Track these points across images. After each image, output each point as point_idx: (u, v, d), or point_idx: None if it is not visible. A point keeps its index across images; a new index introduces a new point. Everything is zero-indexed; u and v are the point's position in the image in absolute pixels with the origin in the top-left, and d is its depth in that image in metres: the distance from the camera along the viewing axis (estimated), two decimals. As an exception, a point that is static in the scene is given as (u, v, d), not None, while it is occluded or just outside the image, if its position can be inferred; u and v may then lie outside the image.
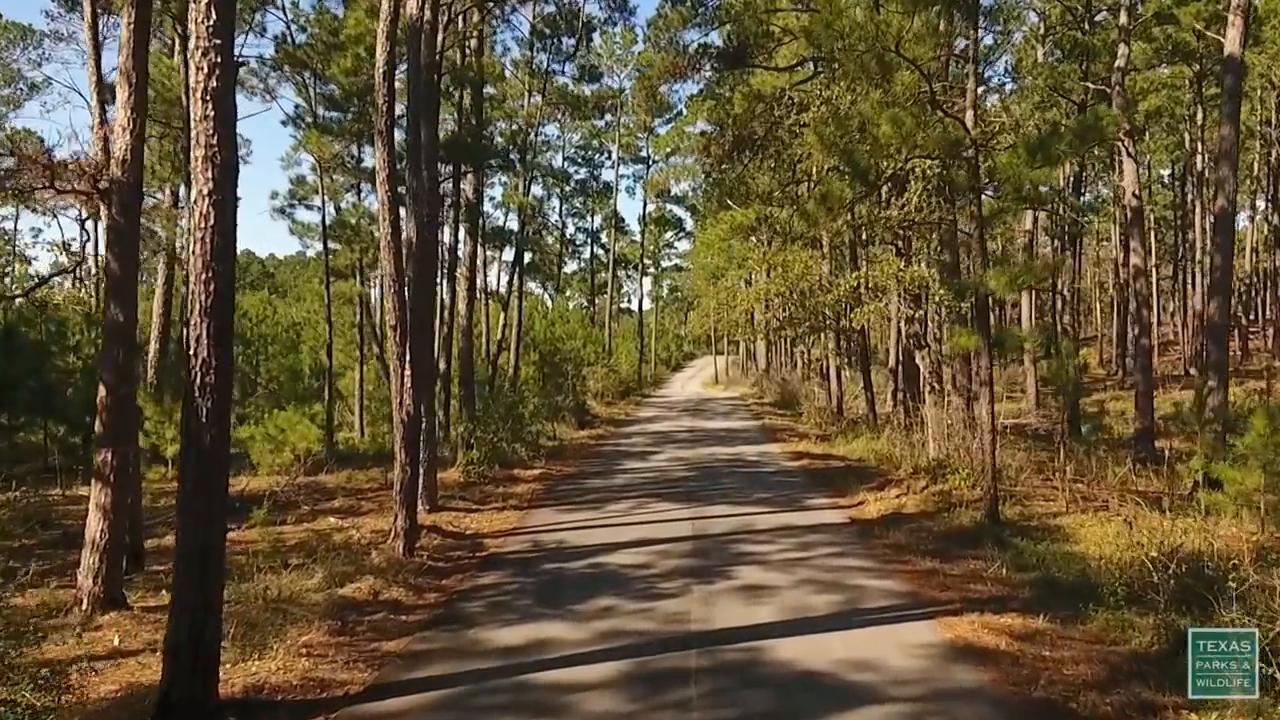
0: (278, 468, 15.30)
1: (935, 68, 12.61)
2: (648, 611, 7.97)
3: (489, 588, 8.91)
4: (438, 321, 17.80)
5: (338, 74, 15.30)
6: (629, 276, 67.57)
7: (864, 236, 28.33)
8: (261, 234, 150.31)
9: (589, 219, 56.08)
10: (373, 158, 13.90)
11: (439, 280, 17.77)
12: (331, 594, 8.45)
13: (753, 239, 38.09)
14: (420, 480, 12.33)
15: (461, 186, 16.82)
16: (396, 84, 11.65)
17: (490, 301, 25.32)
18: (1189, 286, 43.84)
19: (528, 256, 53.45)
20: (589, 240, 57.76)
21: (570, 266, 62.56)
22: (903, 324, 16.63)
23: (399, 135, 12.88)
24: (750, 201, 32.00)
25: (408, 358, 9.68)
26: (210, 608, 5.72)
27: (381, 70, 10.10)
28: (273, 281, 75.33)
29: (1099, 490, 13.58)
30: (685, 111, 36.44)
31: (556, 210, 53.08)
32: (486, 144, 14.38)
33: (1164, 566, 7.79)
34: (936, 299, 14.58)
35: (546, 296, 54.25)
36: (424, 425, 12.41)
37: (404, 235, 11.13)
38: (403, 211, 12.35)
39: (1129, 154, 22.78)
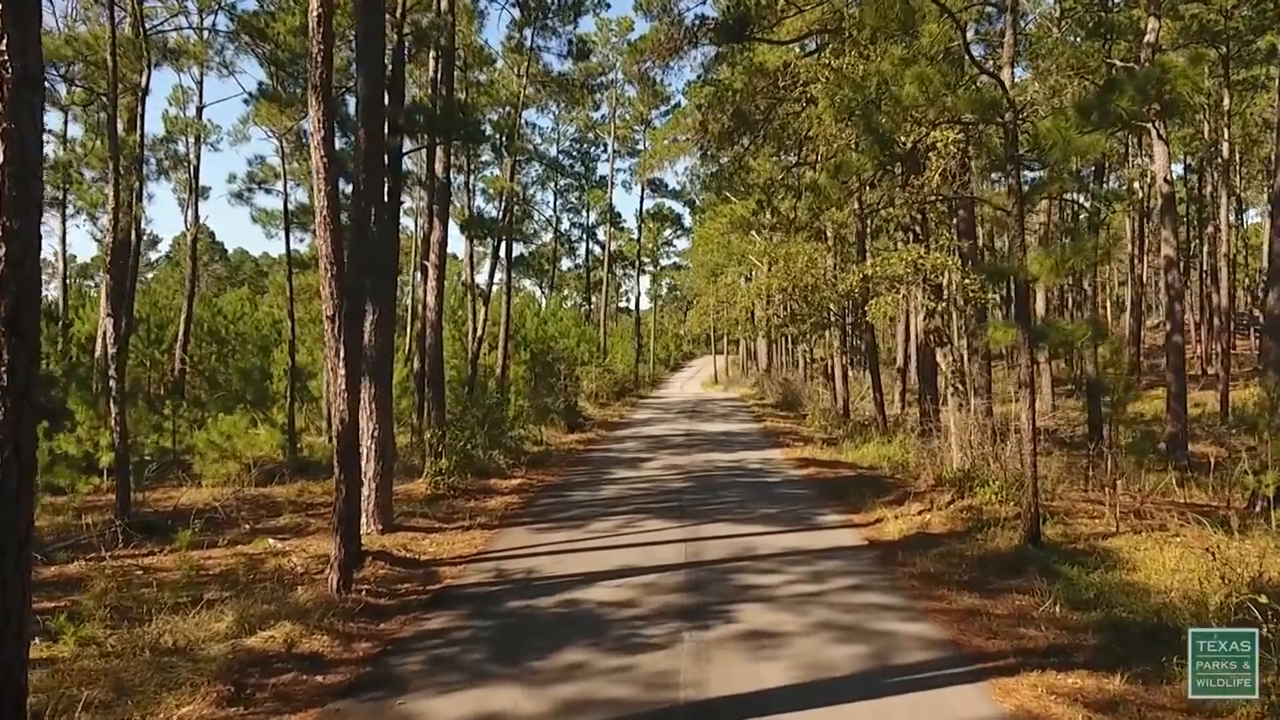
0: (224, 479, 13.68)
1: (966, 18, 10.99)
2: (626, 671, 6.36)
3: (434, 635, 7.29)
4: (411, 317, 16.13)
5: (284, 33, 13.73)
6: (626, 275, 65.93)
7: (871, 227, 26.82)
8: (258, 233, 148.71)
9: (584, 214, 54.46)
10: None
11: (412, 271, 16.14)
12: (237, 644, 6.84)
13: (753, 233, 36.63)
14: (372, 497, 10.74)
15: (434, 169, 15.20)
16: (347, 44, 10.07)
17: (472, 295, 23.59)
18: (1206, 281, 42.27)
19: (519, 250, 52.03)
20: (584, 235, 56.15)
21: (566, 264, 61.00)
22: (922, 318, 14.99)
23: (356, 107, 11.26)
24: (750, 191, 30.49)
25: (342, 354, 8.07)
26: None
27: (316, 13, 8.48)
28: (265, 280, 73.77)
29: (1148, 504, 11.99)
30: (685, 100, 34.85)
31: (551, 205, 51.61)
32: (460, 116, 12.82)
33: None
34: (961, 289, 12.96)
35: (540, 293, 52.64)
36: (377, 433, 10.81)
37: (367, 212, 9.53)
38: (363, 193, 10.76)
39: (1159, 136, 21.20)
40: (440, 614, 7.84)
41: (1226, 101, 29.62)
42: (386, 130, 12.13)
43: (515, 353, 29.62)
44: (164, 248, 63.11)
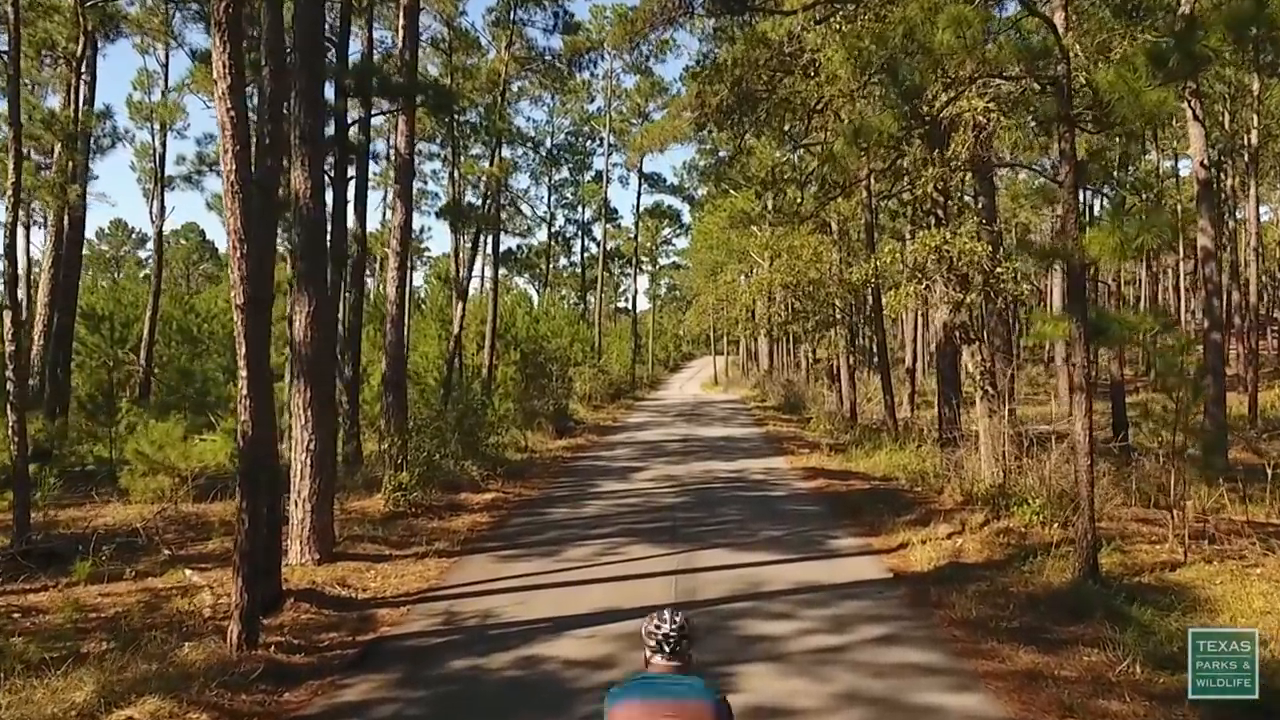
0: (155, 494, 12.04)
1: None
2: (590, 775, 4.75)
3: (349, 713, 5.66)
4: (395, 310, 14.52)
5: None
6: (624, 273, 64.25)
7: (887, 211, 25.16)
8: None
9: (580, 210, 52.80)
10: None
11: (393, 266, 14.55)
12: (85, 731, 5.22)
13: (754, 227, 34.99)
14: (307, 521, 9.12)
15: (396, 144, 13.58)
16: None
17: (454, 290, 21.93)
18: (1224, 277, 40.62)
19: (509, 244, 50.37)
20: (580, 232, 54.48)
21: (563, 263, 59.31)
22: (944, 312, 13.36)
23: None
24: (751, 182, 28.84)
25: (243, 350, 6.45)
26: None
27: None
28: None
29: (1214, 525, 10.36)
30: (684, 90, 33.18)
31: (546, 200, 49.96)
32: (421, 80, 11.24)
33: None
34: (993, 279, 11.34)
35: (534, 292, 51.01)
36: (314, 445, 9.18)
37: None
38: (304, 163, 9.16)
39: (1194, 116, 19.54)
40: (364, 679, 6.21)
41: (1255, 86, 27.96)
42: (334, 94, 10.54)
43: (505, 353, 27.98)
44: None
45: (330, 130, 10.76)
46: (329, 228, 10.68)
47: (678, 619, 3.03)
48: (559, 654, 6.61)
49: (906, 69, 8.27)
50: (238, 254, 6.77)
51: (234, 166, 6.96)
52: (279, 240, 9.74)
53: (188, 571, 9.01)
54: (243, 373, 6.46)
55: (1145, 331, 8.29)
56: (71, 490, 12.97)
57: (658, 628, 3.01)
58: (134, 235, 75.36)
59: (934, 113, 9.15)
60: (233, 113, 7.03)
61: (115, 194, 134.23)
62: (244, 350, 6.44)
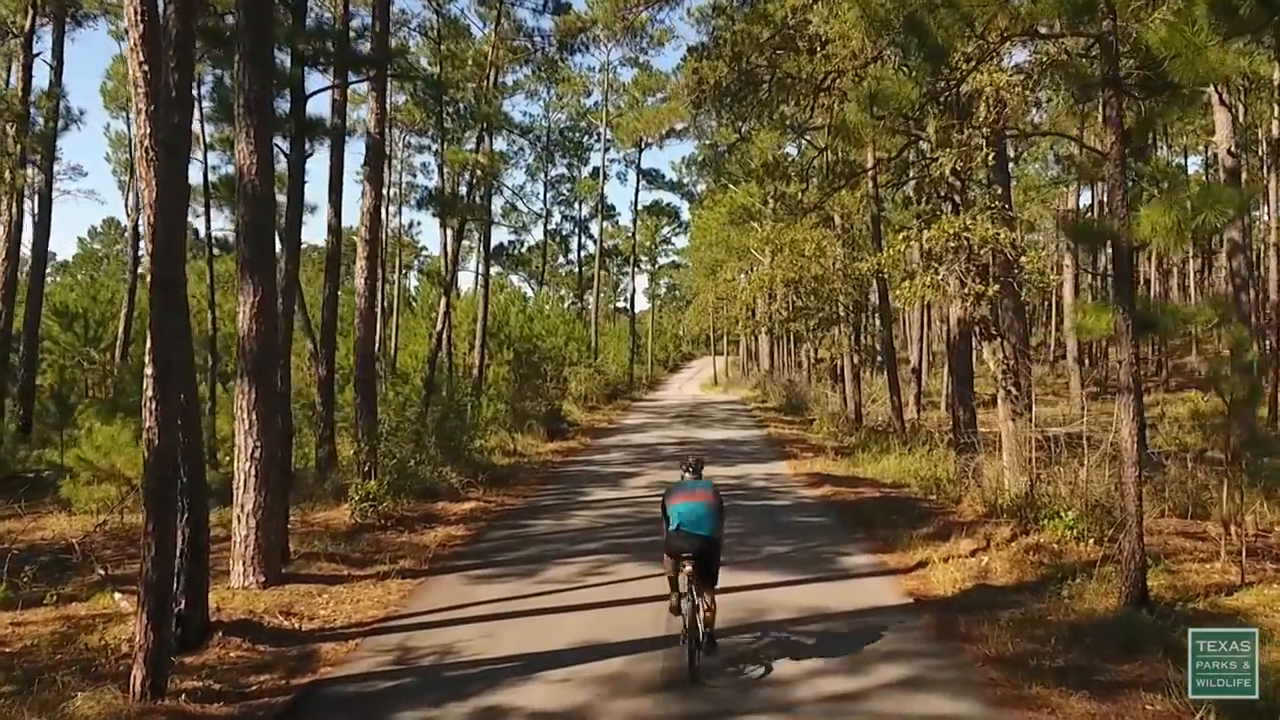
0: (101, 504, 11.00)
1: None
2: None
3: (260, 787, 4.64)
4: (365, 304, 13.47)
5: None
6: (623, 272, 63.15)
7: (883, 210, 24.15)
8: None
9: (576, 207, 51.74)
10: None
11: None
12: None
13: (754, 223, 33.97)
14: (250, 539, 8.09)
15: (368, 124, 12.54)
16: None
17: (445, 287, 20.87)
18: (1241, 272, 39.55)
19: (501, 239, 49.45)
20: (577, 229, 53.41)
21: (561, 263, 58.23)
22: (960, 306, 12.34)
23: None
24: (750, 176, 27.82)
25: (150, 342, 5.43)
26: None
27: None
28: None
29: (1269, 541, 9.34)
30: (682, 80, 32.04)
31: (541, 197, 48.94)
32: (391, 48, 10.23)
33: None
34: (1017, 268, 10.31)
35: (529, 290, 49.94)
36: (259, 453, 8.14)
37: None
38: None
39: (1222, 102, 18.56)
40: (289, 737, 5.19)
41: (1276, 74, 26.91)
42: (291, 62, 9.51)
43: (498, 352, 26.96)
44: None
45: (289, 105, 9.73)
46: (286, 212, 9.64)
47: (695, 460, 6.82)
48: (526, 703, 5.59)
49: (931, 25, 7.24)
50: (150, 228, 5.75)
51: (149, 129, 5.95)
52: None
53: (117, 596, 7.97)
54: (149, 370, 5.43)
55: (1203, 324, 7.25)
56: (13, 499, 11.94)
57: (688, 466, 6.69)
58: (125, 233, 74.39)
59: (959, 77, 8.11)
60: (146, 66, 6.01)
61: (110, 193, 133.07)
62: (151, 343, 5.41)
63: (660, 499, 6.43)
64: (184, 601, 6.47)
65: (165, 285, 5.40)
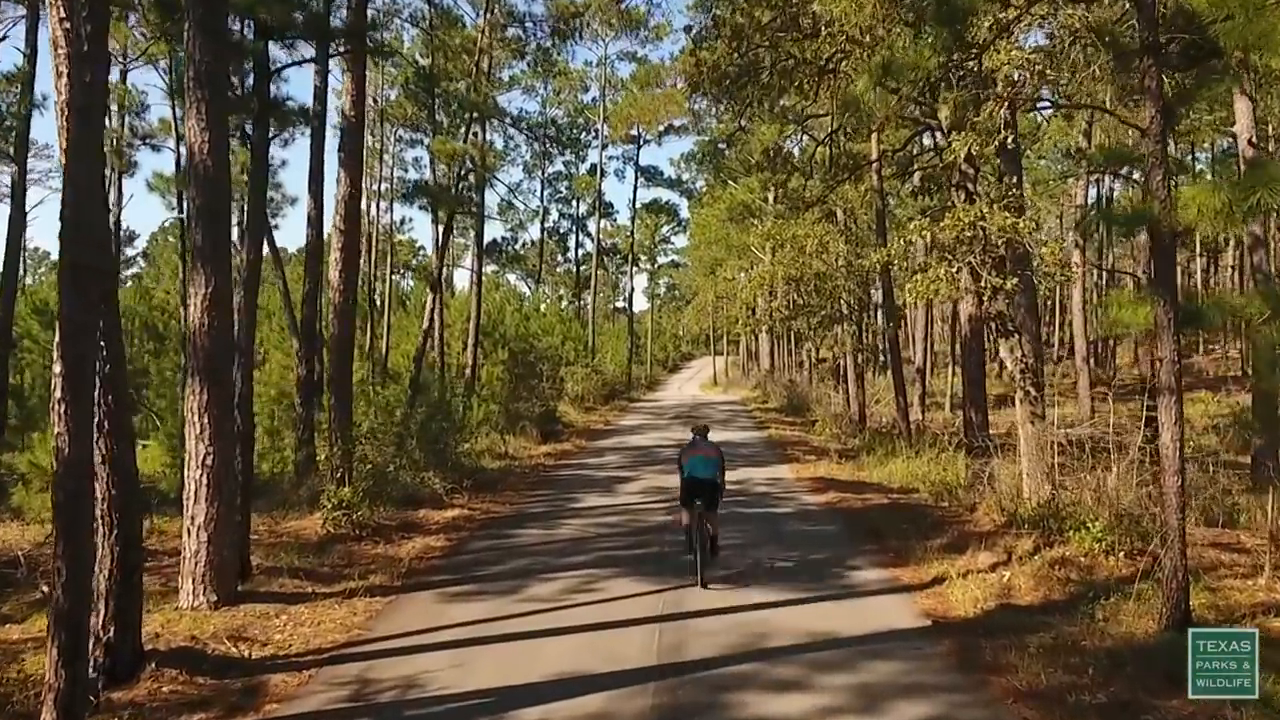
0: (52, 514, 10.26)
1: None
2: None
3: None
4: (341, 298, 12.72)
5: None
6: (621, 272, 62.39)
7: (888, 203, 23.47)
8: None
9: (574, 204, 50.98)
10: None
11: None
12: None
13: (754, 220, 33.27)
14: (202, 554, 7.37)
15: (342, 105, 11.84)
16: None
17: (435, 284, 20.12)
18: (1262, 268, 38.86)
19: (495, 235, 48.64)
20: (574, 227, 52.66)
21: (560, 263, 57.44)
22: (974, 302, 11.63)
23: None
24: (750, 171, 27.13)
25: (58, 336, 4.72)
26: None
27: None
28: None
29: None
30: (678, 61, 31.26)
31: (538, 194, 48.16)
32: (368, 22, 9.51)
33: None
34: (1039, 260, 9.60)
35: (526, 289, 49.22)
36: (212, 460, 7.42)
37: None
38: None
39: (1243, 91, 17.79)
40: (215, 795, 4.47)
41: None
42: (254, 34, 8.79)
43: (492, 351, 26.22)
44: (140, 244, 59.10)
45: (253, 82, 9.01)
46: (248, 196, 8.93)
47: (703, 425, 9.15)
48: (495, 749, 4.87)
49: (951, -14, 6.52)
50: (69, 205, 5.03)
51: (67, 95, 5.22)
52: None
53: (55, 616, 7.25)
54: (57, 368, 4.72)
55: (1253, 315, 6.53)
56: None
57: (696, 433, 8.88)
58: (124, 233, 73.60)
59: (983, 44, 7.39)
60: (67, 24, 5.29)
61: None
62: (59, 336, 4.70)
63: (676, 457, 9.07)
64: (113, 628, 5.77)
65: (77, 269, 4.68)
